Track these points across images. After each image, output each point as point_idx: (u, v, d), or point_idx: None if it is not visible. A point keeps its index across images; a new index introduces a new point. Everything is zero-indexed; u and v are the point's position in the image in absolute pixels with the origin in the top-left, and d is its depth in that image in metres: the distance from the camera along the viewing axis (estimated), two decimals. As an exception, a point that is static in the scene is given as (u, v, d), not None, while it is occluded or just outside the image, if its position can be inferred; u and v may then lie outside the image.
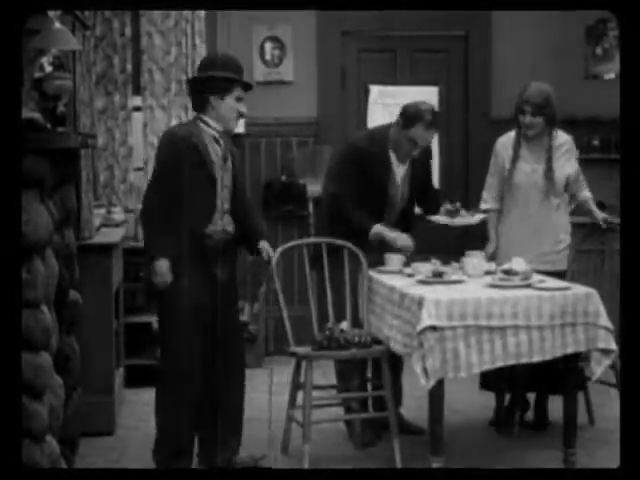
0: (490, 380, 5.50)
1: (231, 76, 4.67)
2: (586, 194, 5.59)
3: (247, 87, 4.77)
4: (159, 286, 4.59)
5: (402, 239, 5.23)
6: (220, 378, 4.73)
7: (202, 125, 4.69)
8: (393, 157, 5.33)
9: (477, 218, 5.30)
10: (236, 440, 4.83)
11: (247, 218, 4.86)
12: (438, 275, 4.84)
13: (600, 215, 5.56)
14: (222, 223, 4.71)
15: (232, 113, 4.71)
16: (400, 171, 5.37)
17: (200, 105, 4.72)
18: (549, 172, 5.37)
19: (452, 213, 5.22)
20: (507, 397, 5.57)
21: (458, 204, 5.30)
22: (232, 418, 4.80)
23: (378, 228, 5.23)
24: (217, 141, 4.71)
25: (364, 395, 5.36)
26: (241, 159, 4.86)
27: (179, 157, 4.59)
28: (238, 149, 7.18)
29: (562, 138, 5.46)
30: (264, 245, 4.88)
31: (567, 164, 5.42)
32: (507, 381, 5.44)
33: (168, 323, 4.69)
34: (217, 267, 4.70)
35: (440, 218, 5.25)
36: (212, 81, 4.66)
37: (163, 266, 4.57)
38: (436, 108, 5.42)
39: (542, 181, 5.39)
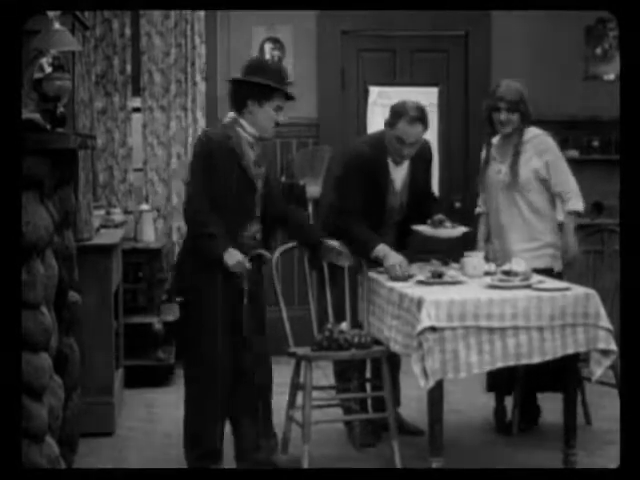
0: (496, 382, 5.50)
1: (273, 84, 4.64)
2: (567, 207, 5.33)
3: (288, 98, 4.75)
4: (242, 272, 4.59)
5: (395, 270, 5.05)
6: (249, 382, 4.79)
7: (239, 129, 4.67)
8: (391, 164, 5.30)
9: (459, 231, 5.24)
10: (271, 440, 4.89)
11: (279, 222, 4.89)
12: (437, 276, 4.84)
13: (569, 255, 5.34)
14: (253, 230, 4.72)
15: (269, 121, 4.68)
16: (399, 177, 5.32)
17: (239, 107, 4.69)
18: (513, 167, 5.33)
19: (436, 224, 5.19)
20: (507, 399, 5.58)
21: (442, 216, 5.25)
22: (260, 420, 4.85)
23: (380, 249, 5.12)
24: (252, 146, 4.70)
25: (363, 396, 5.36)
26: (270, 165, 4.86)
27: (217, 160, 4.58)
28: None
29: (531, 133, 5.39)
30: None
31: (533, 160, 5.33)
32: (508, 382, 5.44)
33: (200, 329, 4.66)
34: (242, 283, 4.70)
35: (424, 229, 5.21)
36: (253, 86, 4.64)
37: (235, 254, 4.56)
38: (425, 105, 5.30)
39: (506, 179, 5.37)
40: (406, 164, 5.34)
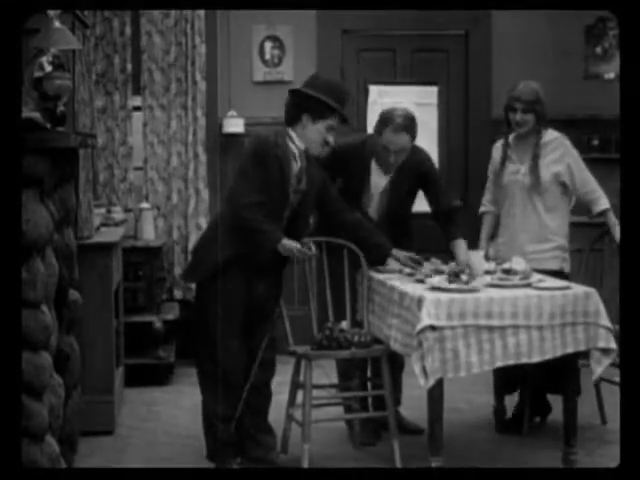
0: (497, 382, 5.48)
1: (333, 104, 4.65)
2: (600, 206, 5.37)
3: (344, 121, 4.75)
4: (303, 257, 4.63)
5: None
6: (251, 379, 4.82)
7: (287, 139, 4.69)
8: (375, 169, 5.25)
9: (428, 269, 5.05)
10: (269, 437, 4.89)
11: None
12: (454, 275, 4.68)
13: (618, 236, 5.26)
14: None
15: (319, 139, 4.69)
16: (381, 182, 5.28)
17: (292, 119, 4.71)
18: (534, 169, 5.32)
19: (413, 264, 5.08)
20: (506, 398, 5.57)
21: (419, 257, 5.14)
22: (259, 417, 4.87)
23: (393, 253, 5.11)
24: (296, 159, 4.70)
25: (363, 394, 5.35)
26: (317, 181, 4.87)
27: (265, 163, 4.60)
28: (236, 149, 7.20)
29: (550, 136, 5.40)
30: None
31: (554, 163, 5.34)
32: (509, 382, 5.44)
33: (217, 327, 4.70)
34: (256, 281, 4.72)
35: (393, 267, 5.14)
36: (312, 101, 4.65)
37: (289, 243, 4.57)
38: (413, 113, 5.17)
39: (526, 180, 5.35)
40: (392, 172, 5.28)
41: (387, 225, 5.31)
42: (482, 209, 5.68)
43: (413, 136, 5.15)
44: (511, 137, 5.45)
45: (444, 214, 5.33)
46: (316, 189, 4.83)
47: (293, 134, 4.70)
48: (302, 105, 4.67)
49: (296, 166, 4.71)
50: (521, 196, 5.39)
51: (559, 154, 5.36)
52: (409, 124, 5.10)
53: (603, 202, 5.38)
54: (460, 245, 5.21)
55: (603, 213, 5.39)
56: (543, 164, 5.34)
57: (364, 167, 5.27)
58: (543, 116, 5.35)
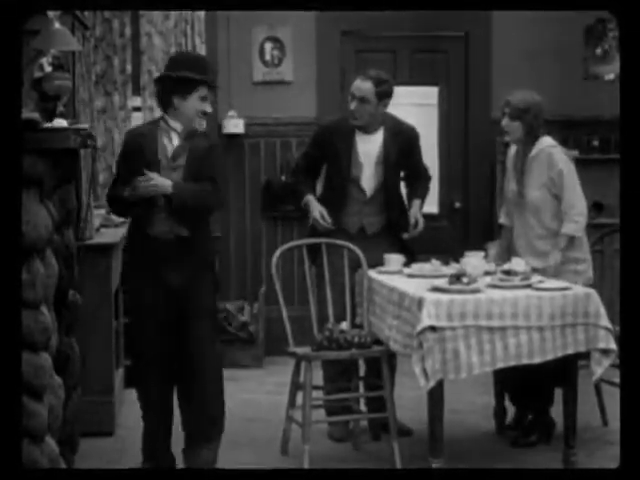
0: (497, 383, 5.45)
1: (193, 76, 4.62)
2: (563, 229, 5.12)
3: (212, 86, 4.76)
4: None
5: (317, 220, 5.35)
6: (190, 370, 4.67)
7: (162, 124, 4.71)
8: (358, 135, 5.39)
9: None
10: (211, 436, 4.68)
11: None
12: (456, 278, 4.65)
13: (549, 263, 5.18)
14: (169, 224, 4.61)
15: (193, 113, 4.67)
16: (366, 149, 5.38)
17: (165, 104, 4.71)
18: (519, 186, 5.20)
19: None
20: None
21: None
22: (202, 422, 4.66)
23: (307, 199, 5.44)
24: (170, 140, 4.69)
25: (364, 395, 5.35)
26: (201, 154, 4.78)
27: (125, 155, 4.73)
28: (236, 149, 7.19)
29: (539, 147, 5.18)
30: None
31: (543, 176, 5.13)
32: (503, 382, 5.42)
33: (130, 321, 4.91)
34: (167, 270, 4.60)
35: None
36: (174, 81, 4.63)
37: None
38: (390, 79, 5.54)
39: (515, 198, 5.25)
40: (379, 139, 5.37)
41: (380, 201, 5.41)
42: (499, 221, 5.55)
43: (376, 87, 5.34)
44: (512, 148, 5.34)
45: (419, 179, 5.56)
46: (200, 161, 4.74)
47: (168, 117, 4.70)
48: (169, 89, 4.65)
49: (171, 146, 4.69)
50: (517, 214, 5.28)
51: (545, 167, 5.14)
52: (376, 76, 5.36)
53: (565, 227, 5.12)
54: (415, 203, 5.42)
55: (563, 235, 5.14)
56: (532, 179, 5.17)
57: (348, 139, 5.39)
58: (533, 129, 5.16)
